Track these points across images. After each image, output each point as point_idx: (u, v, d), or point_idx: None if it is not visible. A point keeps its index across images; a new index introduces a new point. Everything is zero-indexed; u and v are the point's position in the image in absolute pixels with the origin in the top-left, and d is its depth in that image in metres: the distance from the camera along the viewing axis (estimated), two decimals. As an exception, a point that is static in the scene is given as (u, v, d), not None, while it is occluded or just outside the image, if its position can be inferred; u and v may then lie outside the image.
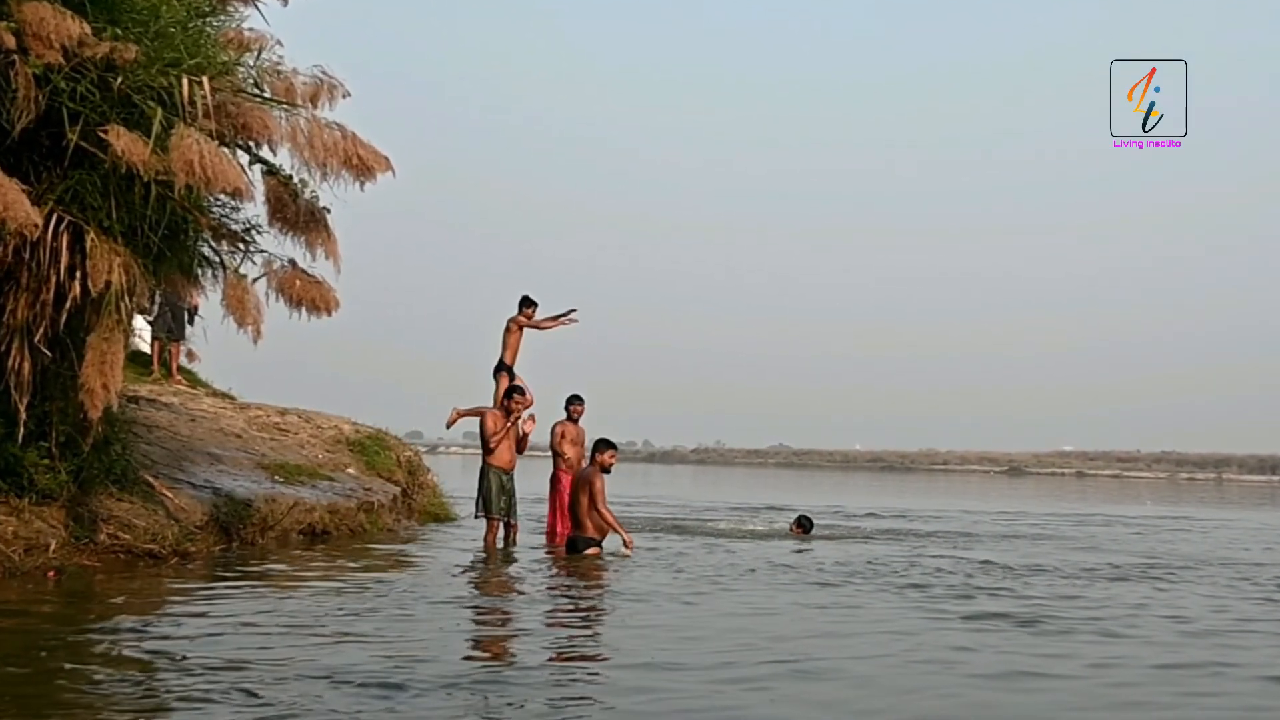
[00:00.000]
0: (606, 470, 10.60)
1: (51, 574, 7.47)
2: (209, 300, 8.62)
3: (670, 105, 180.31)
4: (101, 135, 7.20)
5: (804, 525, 14.09)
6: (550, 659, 5.81)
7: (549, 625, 6.95)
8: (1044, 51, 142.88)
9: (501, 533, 11.39)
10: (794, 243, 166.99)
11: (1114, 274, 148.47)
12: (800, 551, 11.86)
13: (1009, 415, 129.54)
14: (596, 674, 5.48)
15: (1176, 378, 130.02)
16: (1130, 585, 9.57)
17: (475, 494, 11.49)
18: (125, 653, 5.46)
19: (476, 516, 11.52)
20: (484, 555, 10.73)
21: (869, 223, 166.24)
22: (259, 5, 8.80)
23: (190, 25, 7.97)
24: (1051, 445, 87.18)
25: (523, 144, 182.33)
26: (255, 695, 4.62)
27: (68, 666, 5.14)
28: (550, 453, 12.89)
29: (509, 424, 11.38)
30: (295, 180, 8.32)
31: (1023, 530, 16.58)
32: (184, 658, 5.34)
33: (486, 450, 11.38)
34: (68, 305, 7.38)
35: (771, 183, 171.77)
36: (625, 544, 10.49)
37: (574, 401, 12.94)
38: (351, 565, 9.31)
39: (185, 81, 7.38)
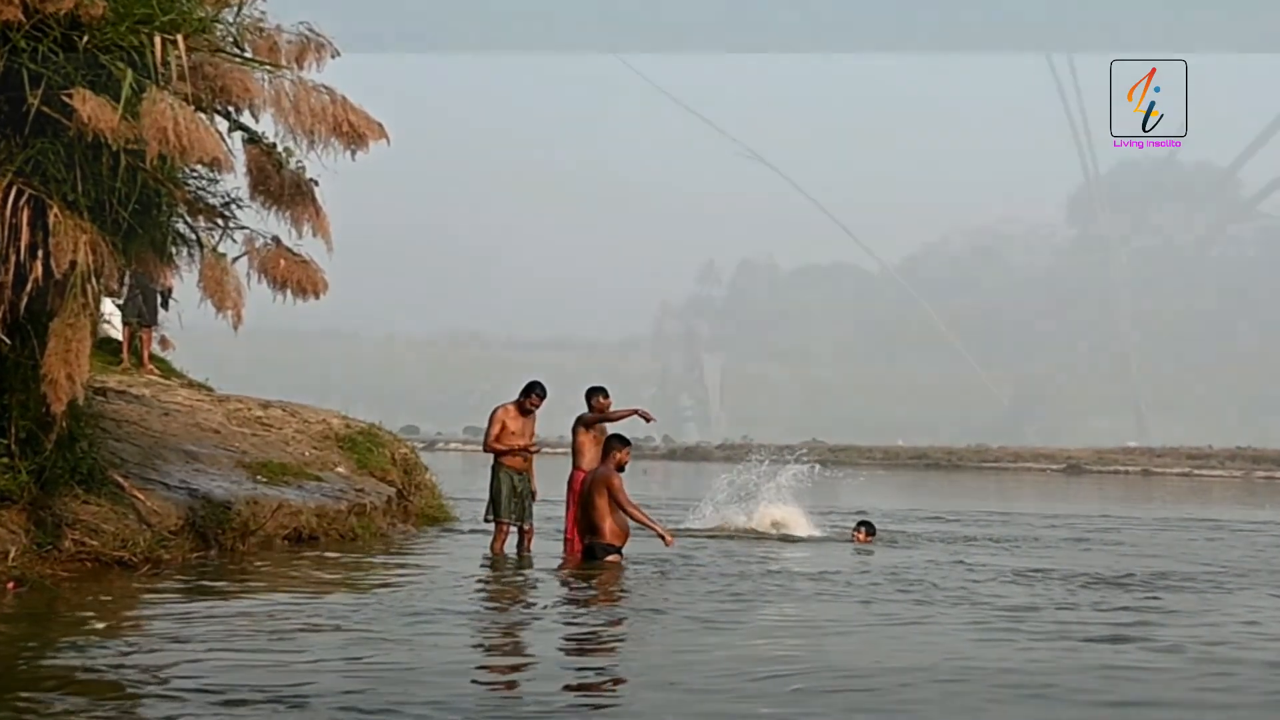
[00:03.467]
0: (621, 468, 10.61)
1: (11, 584, 7.48)
2: (184, 282, 8.64)
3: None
4: (66, 100, 7.17)
5: (868, 530, 14.13)
6: (563, 684, 5.77)
7: (562, 643, 6.92)
8: None
9: (514, 539, 11.36)
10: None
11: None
12: (860, 559, 11.79)
13: (1066, 408, 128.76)
14: (615, 702, 5.44)
15: (1252, 365, 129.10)
16: None
17: (487, 496, 11.44)
18: (89, 673, 5.44)
19: (485, 520, 11.50)
20: (490, 563, 10.72)
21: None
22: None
23: (163, -23, 7.94)
24: (1114, 441, 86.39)
25: (520, 115, 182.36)
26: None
27: (25, 686, 5.15)
28: (571, 452, 12.66)
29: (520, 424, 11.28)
30: (279, 149, 8.30)
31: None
32: (153, 679, 5.33)
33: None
34: (28, 288, 7.37)
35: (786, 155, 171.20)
36: (665, 540, 10.67)
37: (597, 394, 12.59)
38: (341, 575, 9.31)
39: (158, 40, 7.35)
